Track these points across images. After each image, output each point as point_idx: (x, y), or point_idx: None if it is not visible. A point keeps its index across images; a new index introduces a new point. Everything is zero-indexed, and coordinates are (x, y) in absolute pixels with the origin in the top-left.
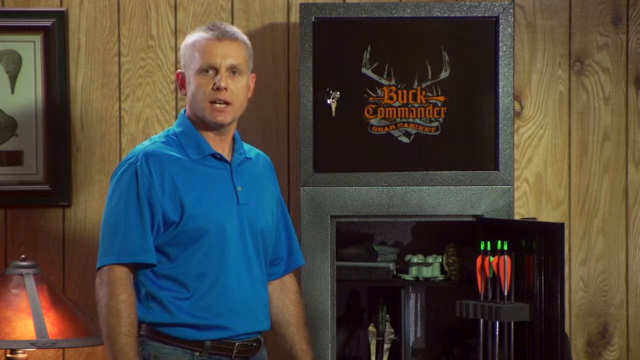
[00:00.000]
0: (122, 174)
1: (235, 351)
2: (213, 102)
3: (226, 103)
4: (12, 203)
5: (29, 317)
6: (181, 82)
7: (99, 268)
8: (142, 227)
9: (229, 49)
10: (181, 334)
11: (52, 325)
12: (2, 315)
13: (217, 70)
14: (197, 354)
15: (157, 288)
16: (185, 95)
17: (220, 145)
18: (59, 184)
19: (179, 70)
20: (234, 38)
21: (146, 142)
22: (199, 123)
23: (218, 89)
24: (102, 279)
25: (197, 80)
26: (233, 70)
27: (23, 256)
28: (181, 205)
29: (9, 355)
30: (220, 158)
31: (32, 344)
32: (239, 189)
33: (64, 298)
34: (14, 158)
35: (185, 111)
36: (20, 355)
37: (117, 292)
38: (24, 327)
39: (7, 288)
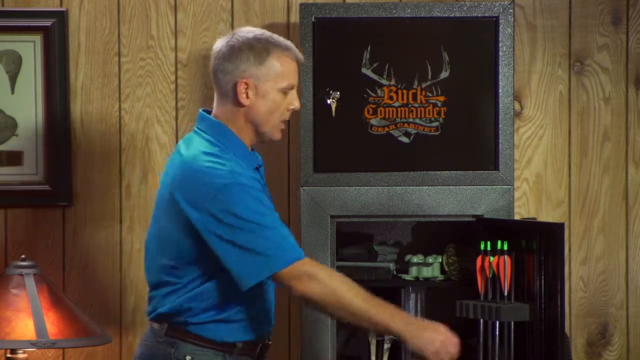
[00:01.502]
0: (242, 192)
1: (258, 351)
2: (284, 121)
3: None
4: (12, 203)
5: (29, 317)
6: (246, 91)
7: (287, 265)
8: (285, 228)
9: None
10: (212, 334)
11: (52, 325)
12: (2, 315)
13: (291, 91)
14: (228, 355)
15: (226, 295)
16: (246, 105)
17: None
18: (59, 184)
19: (245, 79)
20: (303, 61)
21: (202, 149)
22: (247, 133)
23: (294, 110)
24: (306, 270)
25: (278, 98)
26: None
27: (23, 256)
28: None
29: (9, 355)
30: (257, 168)
31: (32, 344)
32: (270, 193)
33: (64, 298)
34: (14, 158)
35: (215, 117)
36: (20, 355)
37: (328, 271)
38: (24, 327)
39: (7, 288)
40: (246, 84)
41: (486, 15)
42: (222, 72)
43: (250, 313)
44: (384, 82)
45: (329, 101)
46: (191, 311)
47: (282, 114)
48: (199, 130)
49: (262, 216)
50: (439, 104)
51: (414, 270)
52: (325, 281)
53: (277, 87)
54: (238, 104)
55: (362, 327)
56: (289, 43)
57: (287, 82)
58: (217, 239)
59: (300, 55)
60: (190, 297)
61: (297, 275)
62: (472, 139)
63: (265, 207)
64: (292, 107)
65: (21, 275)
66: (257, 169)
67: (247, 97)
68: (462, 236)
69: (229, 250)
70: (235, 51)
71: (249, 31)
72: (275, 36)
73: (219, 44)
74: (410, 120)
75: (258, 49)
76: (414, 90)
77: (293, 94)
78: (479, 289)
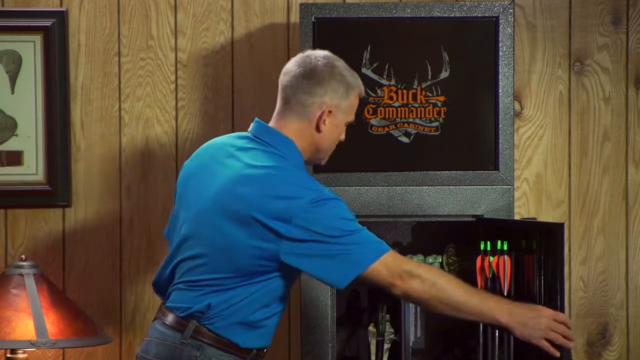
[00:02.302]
0: (332, 205)
1: (261, 357)
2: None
3: None
4: (12, 203)
5: (29, 317)
6: (325, 119)
7: (377, 258)
8: None
9: None
10: (236, 338)
11: (52, 325)
12: (2, 315)
13: None
14: (246, 358)
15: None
16: (323, 131)
17: None
18: (59, 184)
19: (331, 108)
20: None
21: (277, 164)
22: (306, 154)
23: (340, 142)
24: (406, 268)
25: (341, 130)
26: None
27: (23, 256)
28: None
29: (9, 355)
30: None
31: (32, 344)
32: None
33: (64, 298)
34: (14, 158)
35: (285, 134)
36: (20, 355)
37: (426, 266)
38: (24, 327)
39: (7, 288)
40: (330, 112)
41: (486, 15)
42: (308, 93)
43: (272, 321)
44: (384, 82)
45: None
46: (225, 312)
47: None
48: (260, 140)
49: (351, 222)
50: (439, 104)
51: None
52: (426, 277)
53: (346, 120)
54: (316, 127)
55: (467, 319)
56: (360, 80)
57: (353, 117)
58: (307, 252)
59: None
60: (228, 298)
61: (398, 274)
62: (472, 139)
63: (349, 212)
64: (342, 137)
65: (21, 275)
66: None
67: (325, 124)
68: (462, 236)
69: (319, 261)
70: (326, 77)
71: (333, 58)
72: (347, 66)
73: (301, 63)
74: (410, 120)
75: (347, 82)
76: (414, 90)
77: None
78: (479, 289)
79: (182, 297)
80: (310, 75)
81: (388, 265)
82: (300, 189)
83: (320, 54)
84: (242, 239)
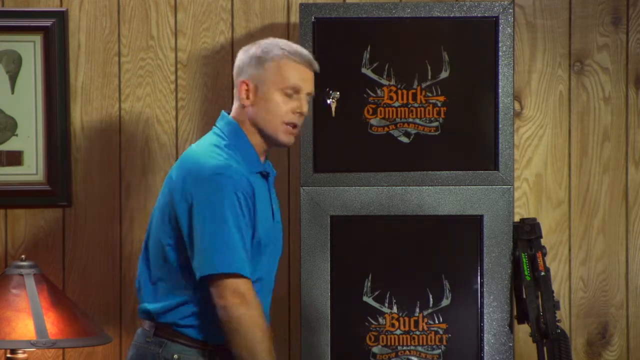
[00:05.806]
0: (227, 187)
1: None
2: (289, 124)
3: (296, 126)
4: (12, 203)
5: (29, 317)
6: (247, 92)
7: (227, 274)
8: (247, 244)
9: (312, 77)
10: (200, 336)
11: (52, 325)
12: (2, 315)
13: (298, 95)
14: (209, 352)
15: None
16: (250, 105)
17: (262, 158)
18: (59, 184)
19: (245, 79)
20: (315, 68)
21: (210, 141)
22: (255, 136)
23: (300, 114)
24: (238, 289)
25: (278, 99)
26: (308, 98)
27: (23, 256)
28: (254, 224)
29: (9, 355)
30: (265, 175)
31: (32, 344)
32: (275, 207)
33: (64, 298)
34: (14, 158)
35: (232, 117)
36: (20, 355)
37: (260, 311)
38: (24, 327)
39: (7, 288)
40: (246, 84)
41: (486, 15)
42: (234, 75)
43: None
44: (383, 82)
45: (329, 101)
46: (183, 311)
47: (288, 117)
48: (215, 127)
49: (235, 216)
50: (439, 104)
51: None
52: (253, 309)
53: (278, 88)
54: (243, 104)
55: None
56: (293, 47)
57: (291, 83)
58: (189, 223)
59: (309, 62)
60: (184, 297)
61: (236, 291)
62: (472, 139)
63: (243, 209)
64: (298, 110)
65: (21, 275)
66: (264, 176)
67: (248, 97)
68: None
69: (194, 236)
70: (248, 55)
71: (268, 40)
72: (286, 42)
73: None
74: (410, 120)
75: (261, 52)
76: (414, 90)
77: (300, 97)
78: None
79: (143, 297)
80: (237, 59)
81: (233, 279)
82: (209, 162)
83: (265, 40)
84: (170, 219)
